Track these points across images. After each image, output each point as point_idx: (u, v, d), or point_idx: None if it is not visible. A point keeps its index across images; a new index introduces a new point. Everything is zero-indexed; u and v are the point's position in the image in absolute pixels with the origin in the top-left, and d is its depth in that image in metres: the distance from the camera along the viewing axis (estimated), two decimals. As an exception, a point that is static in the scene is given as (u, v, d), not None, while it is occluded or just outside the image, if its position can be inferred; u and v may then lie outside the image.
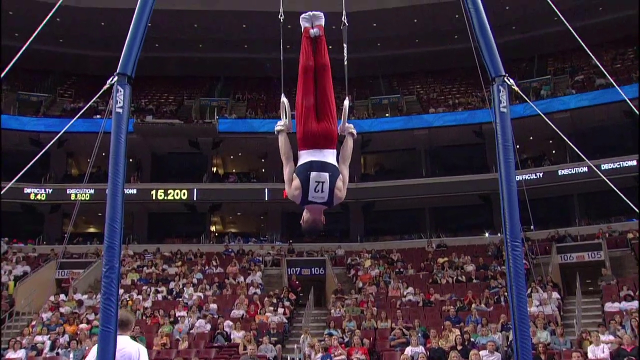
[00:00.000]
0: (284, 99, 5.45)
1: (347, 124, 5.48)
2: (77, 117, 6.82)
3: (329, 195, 5.10)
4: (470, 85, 30.34)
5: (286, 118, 5.43)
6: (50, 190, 27.21)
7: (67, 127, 6.76)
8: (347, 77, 5.85)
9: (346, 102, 5.50)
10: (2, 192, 5.94)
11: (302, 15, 5.51)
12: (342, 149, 5.29)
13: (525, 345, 5.25)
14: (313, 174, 5.05)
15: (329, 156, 5.20)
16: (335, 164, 5.21)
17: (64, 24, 26.34)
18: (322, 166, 5.11)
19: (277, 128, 5.40)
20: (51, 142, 6.55)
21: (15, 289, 20.87)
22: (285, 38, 6.11)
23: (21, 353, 15.26)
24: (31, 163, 6.13)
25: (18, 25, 26.70)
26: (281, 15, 6.27)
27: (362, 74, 31.30)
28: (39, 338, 16.37)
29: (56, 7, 6.53)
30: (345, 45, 6.04)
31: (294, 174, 5.15)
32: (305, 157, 5.21)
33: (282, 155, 5.29)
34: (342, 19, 6.08)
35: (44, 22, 6.17)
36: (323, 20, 5.49)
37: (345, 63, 5.98)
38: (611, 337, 13.70)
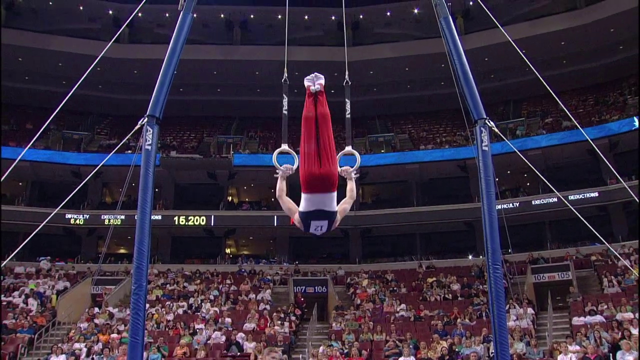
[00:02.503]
0: (287, 148, 5.71)
1: (350, 170, 5.68)
2: (112, 153, 6.88)
3: (328, 229, 5.29)
4: (455, 125, 30.40)
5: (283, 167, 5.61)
6: (87, 216, 27.17)
7: (104, 161, 6.83)
8: (347, 118, 5.95)
9: (357, 156, 5.87)
10: (49, 217, 5.97)
11: (306, 77, 5.59)
12: (348, 191, 5.61)
13: (505, 355, 5.20)
14: (313, 222, 5.17)
15: (328, 202, 5.21)
16: (335, 208, 5.26)
17: (103, 72, 26.64)
18: (321, 215, 5.15)
19: (279, 173, 5.68)
20: (90, 175, 6.59)
21: (57, 302, 20.79)
22: (292, 84, 6.19)
23: (62, 358, 15.36)
24: (73, 193, 6.17)
25: (65, 74, 27.14)
26: (285, 81, 6.43)
27: (360, 115, 31.38)
28: (76, 345, 16.36)
29: (97, 58, 6.61)
30: (347, 101, 6.13)
31: (297, 215, 5.29)
32: (306, 203, 5.22)
33: (277, 193, 5.64)
34: (345, 77, 6.19)
35: (87, 71, 6.24)
36: (323, 80, 5.57)
37: (348, 116, 6.09)
38: (577, 347, 13.66)
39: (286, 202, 5.48)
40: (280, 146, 5.96)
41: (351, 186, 5.62)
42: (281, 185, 5.61)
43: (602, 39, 27.83)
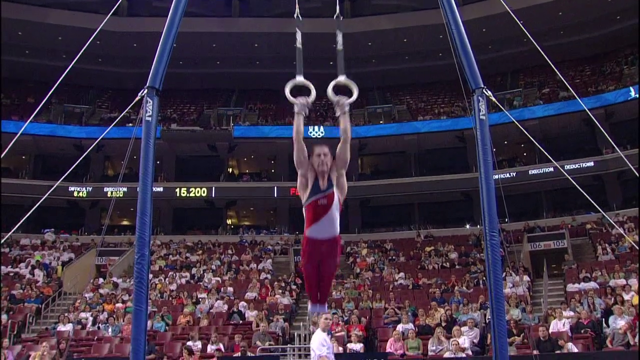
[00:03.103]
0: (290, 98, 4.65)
1: (344, 102, 4.59)
2: (112, 125, 6.85)
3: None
4: (453, 96, 30.24)
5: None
6: (90, 189, 27.22)
7: (104, 133, 6.78)
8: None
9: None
10: (52, 189, 5.97)
11: (310, 310, 5.10)
12: (341, 154, 4.43)
13: (501, 321, 5.26)
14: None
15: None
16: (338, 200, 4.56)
17: (103, 46, 26.37)
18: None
19: (296, 110, 4.49)
20: (91, 147, 6.56)
21: (62, 273, 20.97)
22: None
23: (69, 327, 15.50)
24: (74, 165, 6.15)
25: (65, 48, 26.89)
26: (298, 17, 5.85)
27: (359, 87, 30.90)
28: (82, 314, 16.54)
29: (95, 32, 6.54)
30: (339, 33, 5.51)
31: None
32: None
33: (294, 136, 4.41)
34: (336, 11, 5.76)
35: (86, 44, 6.17)
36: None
37: (340, 48, 5.33)
38: (571, 313, 13.83)
39: (300, 150, 4.40)
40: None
41: (344, 125, 4.49)
42: (298, 124, 4.42)
43: (599, 9, 27.50)
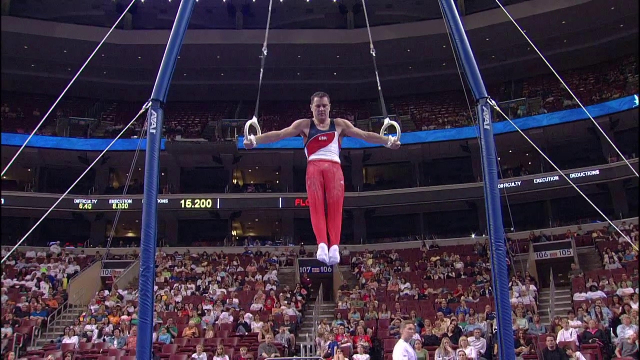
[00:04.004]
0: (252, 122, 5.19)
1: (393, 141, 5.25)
2: (117, 137, 6.85)
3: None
4: (457, 105, 30.25)
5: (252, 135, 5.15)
6: (95, 201, 27.27)
7: (109, 146, 6.80)
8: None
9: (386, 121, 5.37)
10: (57, 202, 5.98)
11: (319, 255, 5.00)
12: (351, 133, 5.25)
13: (507, 331, 5.22)
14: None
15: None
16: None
17: (108, 58, 26.55)
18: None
19: (245, 142, 5.17)
20: (96, 160, 6.57)
21: (68, 285, 20.95)
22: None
23: (74, 339, 15.50)
24: (79, 178, 6.16)
25: (70, 61, 27.05)
26: None
27: (363, 97, 31.28)
28: (88, 327, 16.53)
29: (100, 44, 6.57)
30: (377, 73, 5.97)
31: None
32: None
33: (273, 139, 5.33)
34: (370, 47, 6.10)
35: (90, 57, 6.20)
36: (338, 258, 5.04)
37: (379, 89, 5.90)
38: (579, 323, 13.74)
39: (285, 135, 5.30)
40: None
41: (375, 140, 5.44)
42: (265, 139, 5.27)
43: (602, 18, 27.54)
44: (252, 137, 5.07)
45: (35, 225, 6.23)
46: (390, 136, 5.21)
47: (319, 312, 18.76)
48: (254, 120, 5.24)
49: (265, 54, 5.80)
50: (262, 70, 5.63)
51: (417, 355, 12.56)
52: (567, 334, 12.94)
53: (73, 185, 6.38)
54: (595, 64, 30.30)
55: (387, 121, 5.38)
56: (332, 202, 4.97)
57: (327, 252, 4.90)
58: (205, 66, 30.86)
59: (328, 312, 19.07)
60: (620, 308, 13.91)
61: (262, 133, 5.35)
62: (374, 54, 6.09)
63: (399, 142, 5.17)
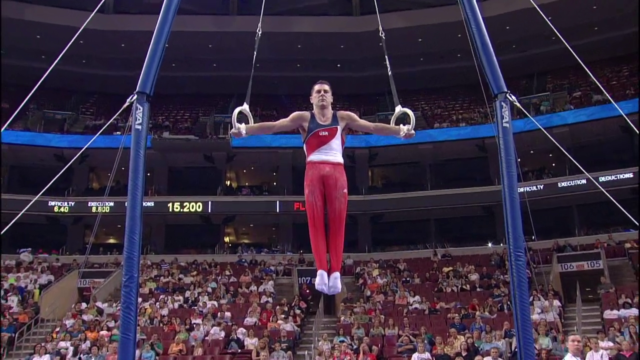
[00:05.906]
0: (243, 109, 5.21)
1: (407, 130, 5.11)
2: (98, 133, 6.88)
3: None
4: (472, 101, 30.31)
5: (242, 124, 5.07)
6: (72, 203, 27.33)
7: (89, 143, 6.84)
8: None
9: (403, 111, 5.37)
10: (30, 204, 6.00)
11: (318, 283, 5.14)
12: (356, 126, 5.22)
13: (529, 351, 5.22)
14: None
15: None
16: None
17: (87, 46, 26.54)
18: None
19: (233, 131, 5.05)
20: (74, 158, 6.60)
21: (40, 297, 20.93)
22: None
23: (46, 358, 15.31)
24: (55, 178, 6.18)
25: (45, 48, 26.99)
26: None
27: (369, 91, 31.33)
28: (62, 344, 16.40)
29: (79, 30, 6.59)
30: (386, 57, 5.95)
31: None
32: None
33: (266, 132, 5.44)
34: (379, 28, 6.08)
35: (68, 44, 6.22)
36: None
37: (390, 73, 5.88)
38: (610, 344, 13.64)
39: (280, 128, 5.32)
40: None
41: (386, 131, 5.45)
42: (258, 130, 5.39)
43: (638, 1, 27.49)
44: (242, 125, 5.00)
45: (4, 230, 6.25)
46: (402, 125, 5.12)
47: (319, 328, 18.77)
48: (245, 107, 5.23)
49: (260, 34, 5.78)
50: (255, 53, 5.64)
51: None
52: (597, 356, 12.82)
53: (48, 186, 6.40)
54: (630, 54, 30.10)
55: (398, 109, 5.35)
56: (334, 216, 4.98)
57: (327, 281, 4.94)
58: (196, 56, 30.88)
59: (329, 327, 19.07)
60: (657, 328, 13.86)
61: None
62: (383, 36, 6.01)
63: (413, 132, 5.05)
